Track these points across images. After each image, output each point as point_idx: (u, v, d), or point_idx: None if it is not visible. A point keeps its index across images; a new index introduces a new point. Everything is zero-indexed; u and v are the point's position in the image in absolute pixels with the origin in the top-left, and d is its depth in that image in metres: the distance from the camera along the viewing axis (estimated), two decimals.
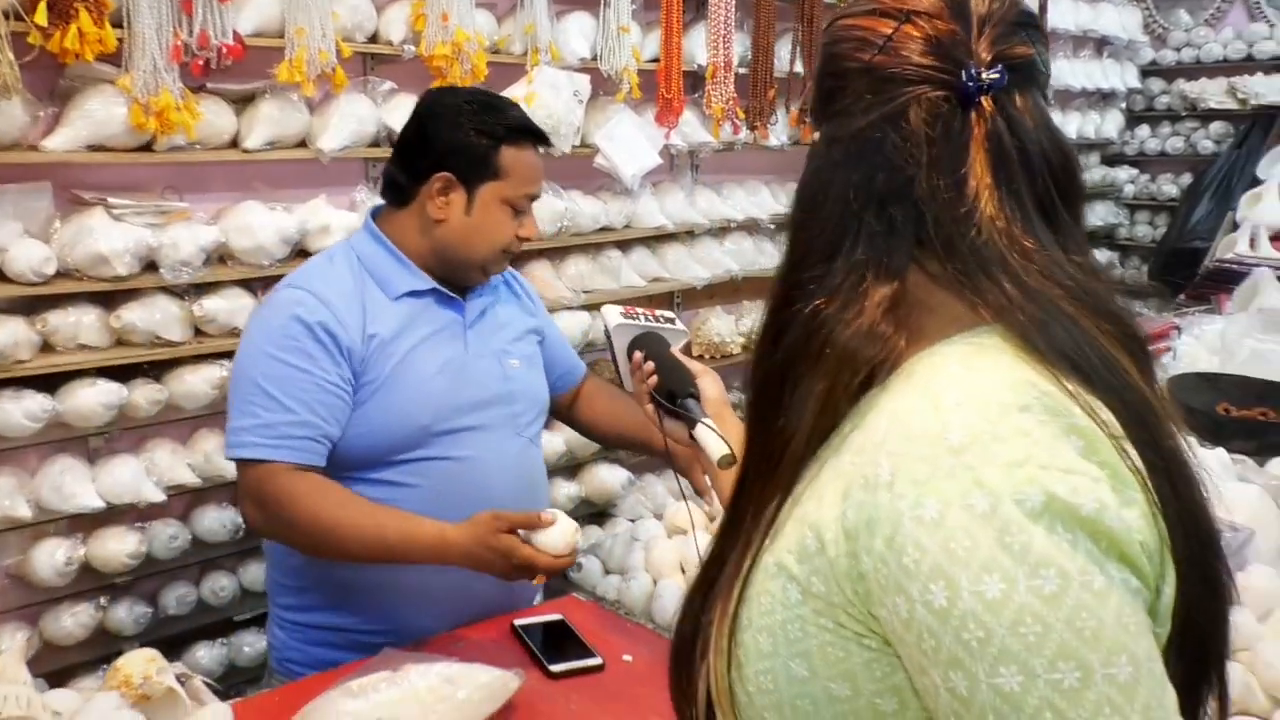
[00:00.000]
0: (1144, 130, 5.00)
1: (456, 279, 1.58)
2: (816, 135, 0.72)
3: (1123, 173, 5.00)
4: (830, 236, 0.67)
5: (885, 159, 0.65)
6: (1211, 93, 4.70)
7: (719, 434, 1.12)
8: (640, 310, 1.36)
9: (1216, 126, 4.72)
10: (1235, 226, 4.29)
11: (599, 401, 1.83)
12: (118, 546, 2.15)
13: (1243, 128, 4.60)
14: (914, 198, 0.65)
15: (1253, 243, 4.16)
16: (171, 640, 2.28)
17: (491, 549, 1.35)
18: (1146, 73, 4.96)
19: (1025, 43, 0.68)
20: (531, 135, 1.56)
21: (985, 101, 0.65)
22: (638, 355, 1.27)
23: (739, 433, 1.17)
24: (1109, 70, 4.76)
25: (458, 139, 1.51)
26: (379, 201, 2.44)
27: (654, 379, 1.23)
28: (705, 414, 1.16)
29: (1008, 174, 0.65)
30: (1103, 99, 4.90)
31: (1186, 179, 4.80)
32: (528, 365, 1.66)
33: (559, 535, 1.36)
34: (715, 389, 1.21)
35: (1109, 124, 4.89)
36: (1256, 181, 4.31)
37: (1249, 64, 4.62)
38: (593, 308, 2.80)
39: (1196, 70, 4.81)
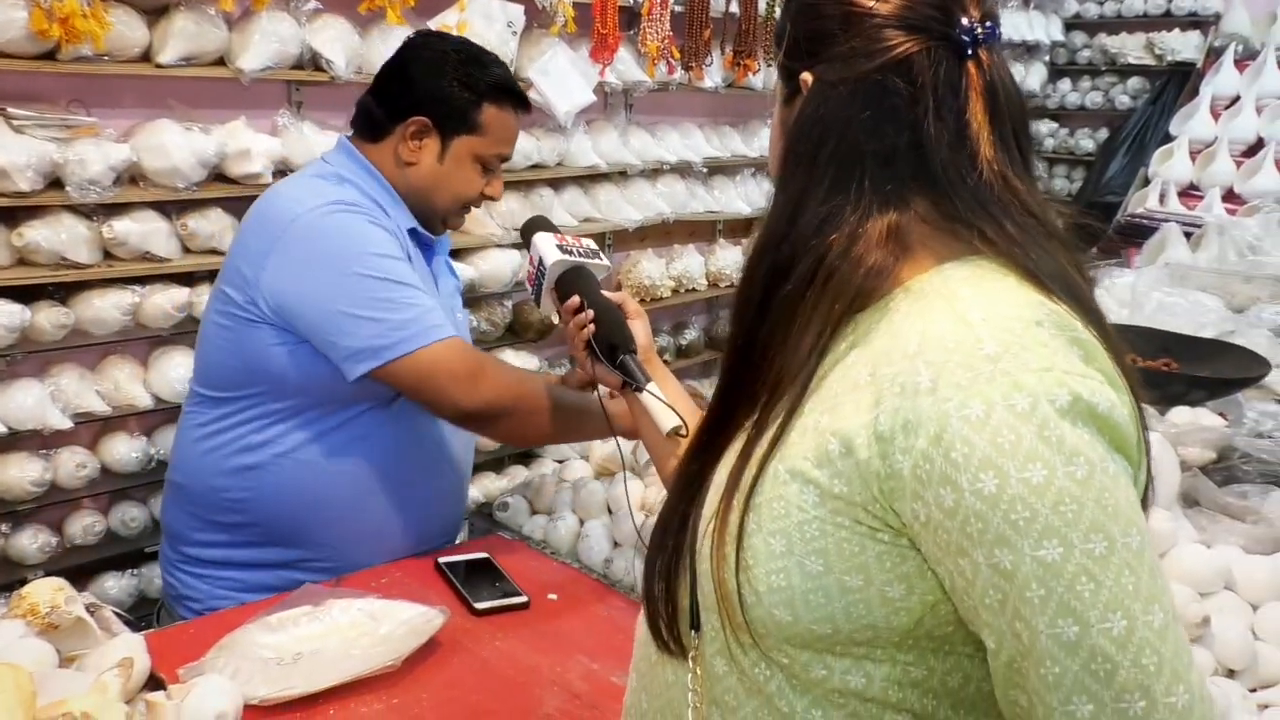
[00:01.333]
0: (1065, 84, 5.08)
1: (424, 223, 1.57)
2: (807, 76, 0.74)
3: (1043, 126, 5.09)
4: (836, 175, 0.71)
5: (891, 104, 0.70)
6: (1131, 48, 4.80)
7: (666, 403, 1.12)
8: (571, 241, 1.30)
9: (1134, 82, 4.84)
10: (1148, 181, 4.44)
11: None
12: (20, 473, 2.08)
13: (1158, 84, 4.72)
14: (918, 141, 0.70)
15: (1162, 198, 4.31)
16: (79, 570, 2.22)
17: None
18: (1070, 25, 5.03)
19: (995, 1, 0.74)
20: (514, 96, 1.55)
21: (983, 53, 0.71)
22: (574, 299, 1.23)
23: (664, 375, 1.19)
24: (1034, 21, 4.82)
25: (441, 87, 1.49)
26: (304, 126, 2.39)
27: (591, 328, 1.20)
28: (647, 375, 1.15)
29: (999, 120, 0.71)
30: (1027, 51, 4.96)
31: (1104, 134, 4.91)
32: (465, 316, 1.71)
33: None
34: (645, 335, 1.22)
35: (1032, 77, 4.96)
36: (1169, 138, 4.45)
37: (1167, 19, 4.72)
38: (520, 246, 2.76)
39: (1118, 24, 4.90)
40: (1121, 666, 0.58)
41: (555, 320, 1.32)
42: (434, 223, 1.58)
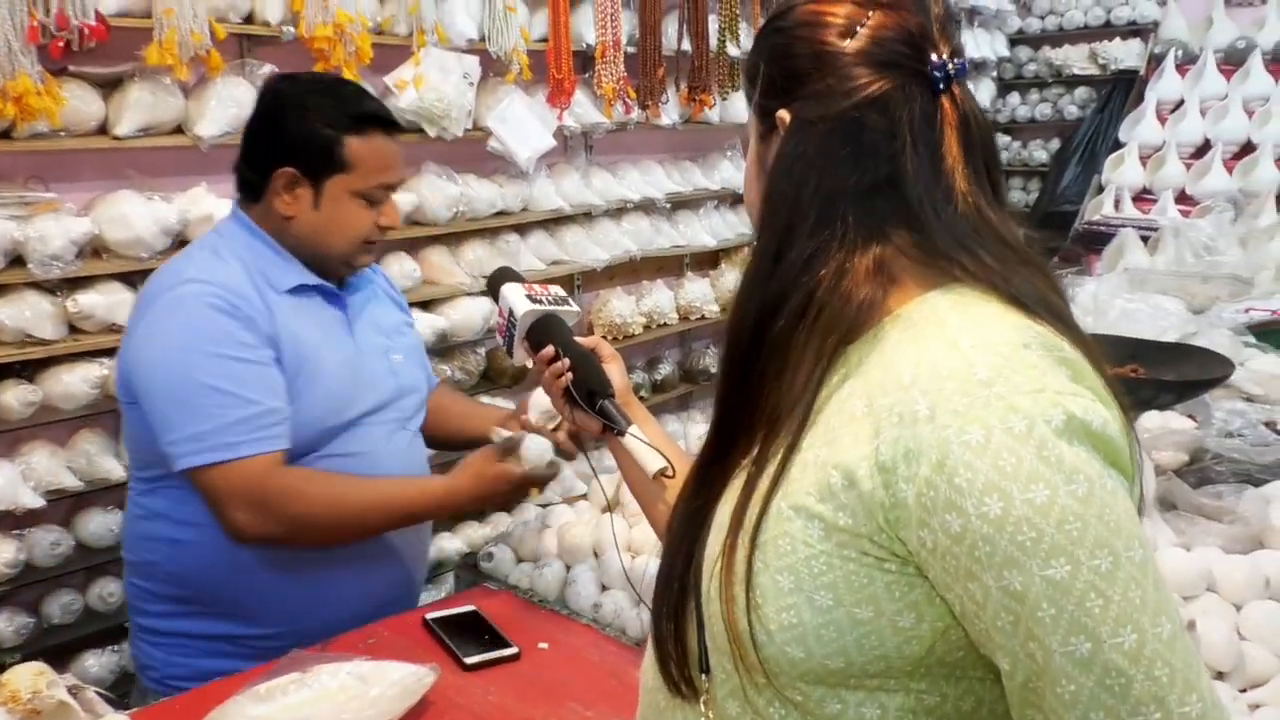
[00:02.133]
0: (1014, 98, 5.19)
1: (323, 273, 1.52)
2: (784, 114, 0.76)
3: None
4: (819, 211, 0.73)
5: (869, 140, 0.72)
6: (1075, 59, 4.91)
7: (649, 444, 1.12)
8: (539, 289, 1.30)
9: (1081, 92, 4.94)
10: (1102, 189, 4.53)
11: (455, 410, 1.75)
12: None
13: (1104, 92, 4.83)
14: (896, 176, 0.72)
15: (1117, 204, 4.40)
16: (58, 650, 2.17)
17: (493, 479, 1.44)
18: (1014, 41, 5.15)
19: (959, 34, 0.75)
20: (379, 122, 1.48)
21: (955, 88, 0.73)
22: (548, 350, 1.22)
23: (645, 417, 1.20)
24: (979, 39, 4.92)
25: (300, 132, 1.44)
26: None
27: (569, 376, 1.19)
28: (628, 419, 1.15)
29: (972, 153, 0.74)
30: (975, 68, 5.06)
31: (1056, 144, 5.01)
32: (409, 359, 1.64)
33: (535, 447, 1.45)
34: (621, 378, 1.22)
35: (982, 93, 5.06)
36: (1119, 144, 4.54)
37: (1108, 29, 4.84)
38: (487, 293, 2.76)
39: (1060, 37, 5.01)
40: (1135, 680, 0.59)
41: (529, 366, 1.32)
42: (335, 268, 1.53)
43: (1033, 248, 0.76)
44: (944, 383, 0.64)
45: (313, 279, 1.51)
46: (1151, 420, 1.83)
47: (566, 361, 1.20)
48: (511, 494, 1.47)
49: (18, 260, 2.03)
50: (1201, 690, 0.60)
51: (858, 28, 0.74)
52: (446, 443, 1.77)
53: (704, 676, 0.76)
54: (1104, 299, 2.63)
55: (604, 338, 3.27)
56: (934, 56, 0.73)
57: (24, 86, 1.93)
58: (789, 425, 0.72)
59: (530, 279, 1.34)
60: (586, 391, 1.18)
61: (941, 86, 0.72)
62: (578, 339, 1.25)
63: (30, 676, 1.20)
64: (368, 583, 1.54)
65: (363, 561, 1.53)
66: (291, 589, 1.49)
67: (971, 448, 0.61)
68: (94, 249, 2.14)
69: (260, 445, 1.38)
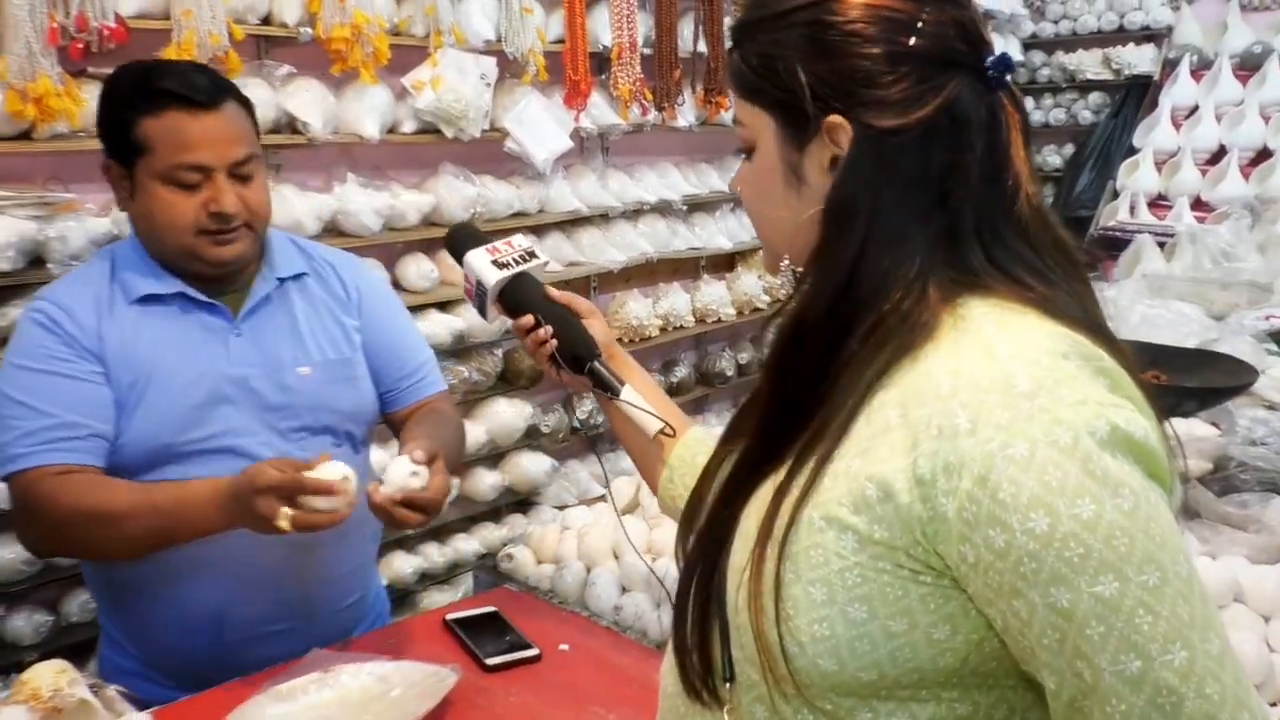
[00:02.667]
0: (1028, 103, 5.16)
1: (192, 273, 1.41)
2: (839, 120, 0.71)
3: None
4: (896, 228, 0.70)
5: (946, 148, 0.69)
6: (1088, 64, 4.89)
7: (645, 408, 1.08)
8: (503, 248, 1.20)
9: (1095, 97, 4.92)
10: (1116, 195, 4.51)
11: (407, 433, 1.52)
12: (11, 554, 2.04)
13: (1118, 97, 4.80)
14: (969, 185, 0.69)
15: (1133, 210, 4.38)
16: (76, 648, 2.17)
17: (252, 507, 1.21)
18: (1028, 45, 5.13)
19: None
20: (172, 98, 1.32)
21: (1011, 84, 0.71)
22: (527, 318, 1.15)
23: (632, 367, 1.16)
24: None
25: (106, 119, 1.37)
26: (284, 189, 2.40)
27: (552, 343, 1.13)
28: (620, 379, 1.11)
29: (1029, 150, 0.72)
30: None
31: (1069, 149, 4.99)
32: (327, 372, 1.47)
33: (399, 468, 1.28)
34: (603, 332, 1.17)
35: None
36: (1133, 150, 4.53)
37: (1121, 35, 4.81)
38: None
39: (1074, 42, 4.99)
40: (1187, 699, 0.58)
41: (491, 324, 1.27)
42: (187, 265, 1.40)
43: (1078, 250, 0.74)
44: (985, 395, 0.63)
45: (171, 287, 1.40)
46: (1174, 427, 1.81)
47: (549, 329, 1.13)
48: (278, 531, 1.21)
49: (38, 260, 2.03)
50: (1252, 708, 0.59)
51: (918, 23, 0.69)
52: None
53: (727, 685, 0.74)
54: (1124, 305, 2.62)
55: (620, 340, 3.29)
56: (988, 51, 0.70)
57: (44, 88, 1.94)
58: (826, 436, 0.70)
59: (549, 281, 1.23)
60: (573, 356, 1.13)
61: (1002, 83, 0.71)
62: (551, 292, 1.18)
63: (52, 675, 1.20)
64: (244, 611, 1.42)
65: (232, 587, 1.40)
66: (159, 606, 1.41)
67: (1016, 462, 0.60)
68: None
69: (44, 458, 1.31)
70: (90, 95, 2.05)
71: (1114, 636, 0.58)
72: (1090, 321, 0.69)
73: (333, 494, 1.22)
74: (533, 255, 1.21)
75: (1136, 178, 4.41)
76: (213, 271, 1.41)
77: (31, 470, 1.32)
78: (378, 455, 2.00)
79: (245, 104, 1.43)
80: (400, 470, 1.28)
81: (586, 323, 1.16)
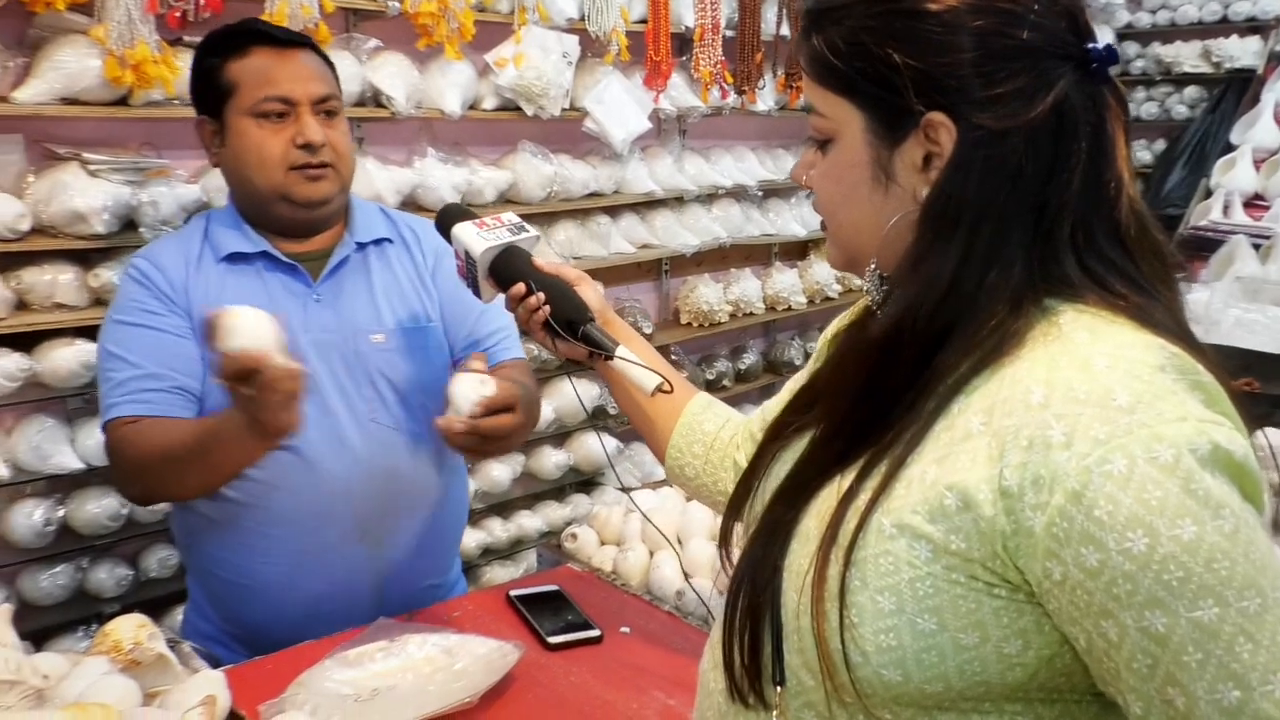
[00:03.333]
0: None
1: (277, 222, 1.45)
2: (941, 119, 0.67)
3: None
4: (998, 236, 0.67)
5: (1058, 148, 0.66)
6: (1186, 56, 4.70)
7: (640, 363, 1.07)
8: (491, 221, 1.22)
9: (1191, 91, 4.73)
10: (1209, 193, 4.33)
11: None
12: (97, 508, 2.11)
13: (1216, 92, 4.61)
14: (1072, 186, 0.66)
15: (1226, 209, 4.20)
16: (153, 603, 2.25)
17: (243, 411, 1.20)
18: (1122, 36, 4.94)
19: None
20: (256, 37, 1.41)
21: (1113, 76, 0.67)
22: (519, 287, 1.15)
23: (629, 334, 1.14)
24: None
25: (195, 77, 1.44)
26: (366, 162, 2.43)
27: (545, 310, 1.13)
28: (615, 341, 1.10)
29: (1129, 147, 0.69)
30: None
31: (1161, 145, 4.81)
32: (403, 342, 1.48)
33: (464, 385, 1.24)
34: (595, 297, 1.16)
35: None
36: (1230, 147, 4.33)
37: (1224, 26, 4.61)
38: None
39: (1172, 33, 4.79)
40: None
41: (487, 301, 1.26)
42: (275, 210, 1.43)
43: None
44: (1081, 407, 0.60)
45: (256, 245, 1.44)
46: (1269, 437, 1.74)
47: (540, 296, 1.14)
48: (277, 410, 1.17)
49: (130, 224, 2.09)
50: None
51: (1031, 15, 0.65)
52: None
53: (777, 688, 0.72)
54: (1216, 308, 2.52)
55: (689, 325, 3.26)
56: (1092, 41, 0.67)
57: (142, 55, 1.98)
58: (902, 442, 0.68)
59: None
60: (566, 321, 1.12)
61: (1105, 75, 0.67)
62: (541, 264, 1.18)
63: (132, 628, 1.24)
64: (326, 579, 1.45)
65: (321, 552, 1.43)
66: (239, 576, 1.45)
67: (1114, 478, 0.58)
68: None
69: (130, 408, 1.36)
70: (185, 63, 2.10)
71: (1212, 664, 0.56)
72: (1184, 332, 0.67)
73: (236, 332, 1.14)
74: (523, 229, 1.22)
75: (1232, 176, 4.22)
76: (301, 215, 1.43)
77: (118, 420, 1.37)
78: None
79: (325, 58, 1.49)
80: (466, 385, 1.25)
81: (578, 289, 1.15)
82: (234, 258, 1.43)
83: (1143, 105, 4.86)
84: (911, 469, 0.67)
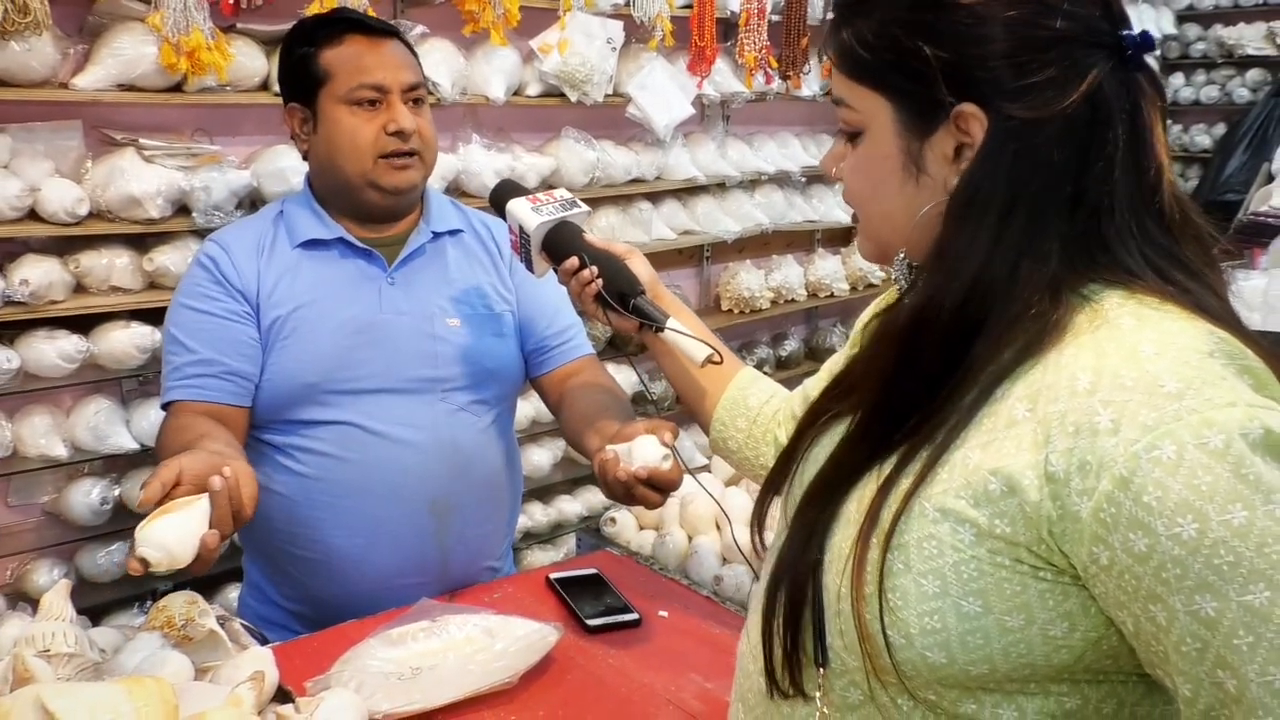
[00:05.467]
0: (1178, 79, 4.88)
1: (362, 209, 1.48)
2: (973, 109, 0.67)
3: None
4: (1034, 228, 0.66)
5: (1091, 139, 0.66)
6: (1250, 38, 4.58)
7: (691, 334, 1.09)
8: (544, 196, 1.24)
9: (1254, 74, 4.61)
10: (1271, 178, 4.21)
11: (576, 408, 1.51)
12: None
13: None
14: (1112, 175, 0.66)
15: None
16: (205, 581, 2.31)
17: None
18: (1183, 18, 4.82)
19: None
20: (349, 25, 1.44)
21: (1152, 62, 0.66)
22: (572, 260, 1.18)
23: (678, 306, 1.16)
24: (1144, 15, 4.63)
25: (285, 65, 1.47)
26: None
27: (597, 282, 1.16)
28: (664, 312, 1.12)
29: (1166, 133, 0.68)
30: None
31: (1220, 129, 4.69)
32: (475, 326, 1.51)
33: (645, 446, 1.18)
34: (646, 271, 1.18)
35: None
36: None
37: None
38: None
39: (1235, 14, 4.67)
40: None
41: (538, 274, 1.28)
42: (363, 196, 1.46)
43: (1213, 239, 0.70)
44: (1129, 394, 0.60)
45: (333, 232, 1.47)
46: None
47: (594, 269, 1.16)
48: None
49: (183, 209, 2.14)
50: None
51: (1064, 3, 0.65)
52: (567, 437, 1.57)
53: (820, 670, 0.73)
54: (1275, 295, 2.46)
55: (730, 311, 3.25)
56: (1127, 28, 0.66)
57: (196, 42, 2.03)
58: (945, 428, 0.68)
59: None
60: (617, 294, 1.15)
61: (1141, 63, 0.66)
62: (592, 239, 1.20)
63: (185, 604, 1.27)
64: (393, 552, 1.48)
65: (389, 526, 1.46)
66: (307, 549, 1.47)
67: (1163, 464, 0.58)
68: (251, 200, 2.24)
69: (180, 393, 1.40)
70: (239, 50, 2.14)
71: (1263, 647, 0.56)
72: (1231, 317, 0.67)
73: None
74: (574, 204, 1.24)
75: None
76: (388, 201, 1.47)
77: (172, 404, 1.41)
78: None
79: (411, 48, 1.52)
80: (650, 450, 1.21)
81: (629, 263, 1.17)
82: (310, 244, 1.47)
83: (1202, 89, 4.75)
84: (954, 454, 0.67)
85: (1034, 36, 0.65)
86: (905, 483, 0.68)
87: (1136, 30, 0.67)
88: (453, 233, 1.56)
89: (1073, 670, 0.65)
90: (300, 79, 1.44)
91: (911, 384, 0.71)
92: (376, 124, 1.42)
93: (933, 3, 0.67)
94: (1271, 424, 0.58)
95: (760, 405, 1.10)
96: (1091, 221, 0.67)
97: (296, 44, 1.46)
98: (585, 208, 1.26)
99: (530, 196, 1.24)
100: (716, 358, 1.08)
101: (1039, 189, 0.66)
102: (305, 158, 1.52)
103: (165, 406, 1.43)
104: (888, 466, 0.70)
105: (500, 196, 1.27)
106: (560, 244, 1.21)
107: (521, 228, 1.23)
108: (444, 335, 1.49)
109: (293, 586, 1.53)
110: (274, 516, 1.48)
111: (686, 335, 1.09)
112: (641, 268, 1.17)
